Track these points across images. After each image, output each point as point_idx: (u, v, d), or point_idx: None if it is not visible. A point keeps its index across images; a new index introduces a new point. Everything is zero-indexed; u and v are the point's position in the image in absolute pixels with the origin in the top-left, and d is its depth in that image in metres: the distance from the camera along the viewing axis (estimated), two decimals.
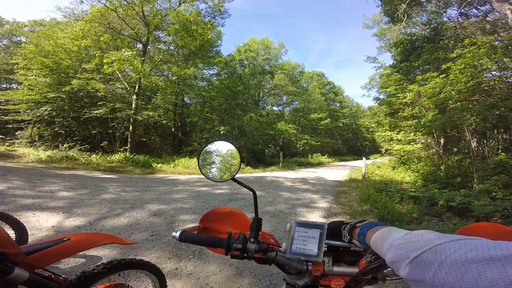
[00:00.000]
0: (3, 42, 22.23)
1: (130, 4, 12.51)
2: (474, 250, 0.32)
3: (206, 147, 0.92)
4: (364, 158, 10.75)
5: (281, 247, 0.74)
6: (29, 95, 12.45)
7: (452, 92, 7.58)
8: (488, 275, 0.28)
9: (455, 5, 10.20)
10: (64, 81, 12.75)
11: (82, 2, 13.23)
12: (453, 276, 0.31)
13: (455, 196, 4.96)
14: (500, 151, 8.17)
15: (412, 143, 10.61)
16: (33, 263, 1.00)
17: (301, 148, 26.26)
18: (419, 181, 8.26)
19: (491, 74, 7.85)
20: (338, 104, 38.02)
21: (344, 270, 0.67)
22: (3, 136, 13.56)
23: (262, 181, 8.71)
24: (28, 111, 12.84)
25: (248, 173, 12.14)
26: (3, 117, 13.20)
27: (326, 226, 0.71)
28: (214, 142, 0.92)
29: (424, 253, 0.38)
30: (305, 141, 25.50)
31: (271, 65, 26.57)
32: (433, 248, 0.37)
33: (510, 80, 7.47)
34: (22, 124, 13.18)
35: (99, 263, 1.17)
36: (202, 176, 0.89)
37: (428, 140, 10.88)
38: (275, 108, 28.97)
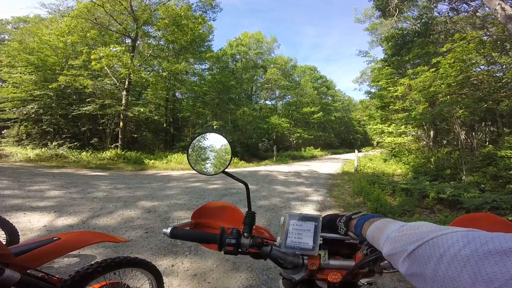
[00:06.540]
0: None
1: None
2: (472, 242, 0.31)
3: (195, 140, 0.87)
4: (356, 151, 10.86)
5: (275, 241, 0.72)
6: (14, 93, 12.01)
7: (442, 85, 7.72)
8: (488, 270, 0.28)
9: (446, 0, 10.32)
10: (51, 78, 12.37)
11: None
12: (452, 271, 0.31)
13: (445, 188, 4.99)
14: (487, 143, 8.39)
15: (403, 136, 10.80)
16: (23, 263, 0.98)
17: (294, 141, 26.39)
18: (410, 173, 8.41)
19: (480, 68, 8.03)
20: (330, 98, 38.22)
21: (340, 263, 0.65)
22: None
23: (256, 175, 8.73)
24: (14, 109, 12.42)
25: (242, 168, 12.13)
26: None
27: (320, 219, 0.69)
28: (203, 134, 0.87)
29: (421, 246, 0.37)
30: (298, 134, 25.64)
31: (263, 60, 26.39)
32: (430, 241, 0.36)
33: (498, 75, 7.65)
34: (8, 122, 12.78)
35: (93, 262, 1.15)
36: (196, 172, 0.84)
37: (419, 133, 11.10)
38: (268, 102, 28.91)
